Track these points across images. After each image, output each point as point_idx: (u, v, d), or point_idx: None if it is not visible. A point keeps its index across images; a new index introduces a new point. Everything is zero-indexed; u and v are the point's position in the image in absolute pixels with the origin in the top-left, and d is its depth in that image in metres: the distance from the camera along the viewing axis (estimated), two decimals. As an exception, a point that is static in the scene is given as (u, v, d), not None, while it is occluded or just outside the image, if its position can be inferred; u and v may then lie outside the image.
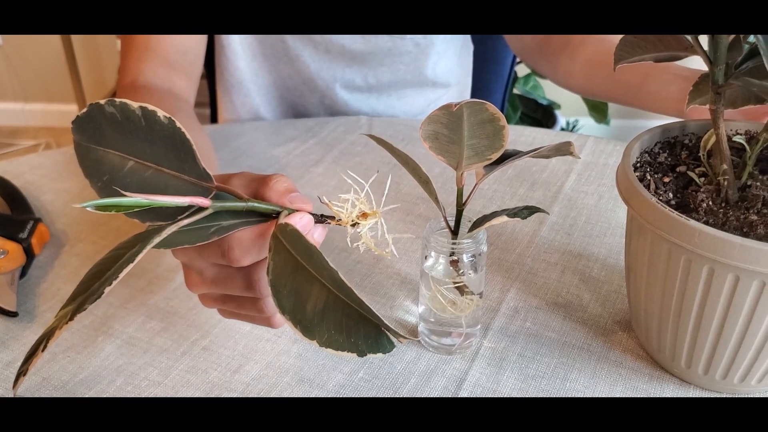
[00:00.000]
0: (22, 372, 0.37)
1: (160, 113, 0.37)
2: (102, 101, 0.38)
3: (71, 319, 0.34)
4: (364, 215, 0.39)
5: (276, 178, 0.40)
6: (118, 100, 0.38)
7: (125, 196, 0.33)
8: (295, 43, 0.87)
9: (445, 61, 0.92)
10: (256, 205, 0.38)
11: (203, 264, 0.41)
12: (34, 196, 0.71)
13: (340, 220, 0.40)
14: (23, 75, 2.55)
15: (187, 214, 0.37)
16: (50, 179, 0.74)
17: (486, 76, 1.06)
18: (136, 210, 0.37)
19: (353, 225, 0.40)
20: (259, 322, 0.44)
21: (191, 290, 0.43)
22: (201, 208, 0.37)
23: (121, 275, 0.34)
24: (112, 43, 2.43)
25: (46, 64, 2.50)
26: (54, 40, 2.38)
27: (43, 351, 0.36)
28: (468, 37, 0.97)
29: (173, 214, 0.38)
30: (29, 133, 2.59)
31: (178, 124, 0.38)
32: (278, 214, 0.39)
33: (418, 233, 0.64)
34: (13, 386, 0.39)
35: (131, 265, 0.34)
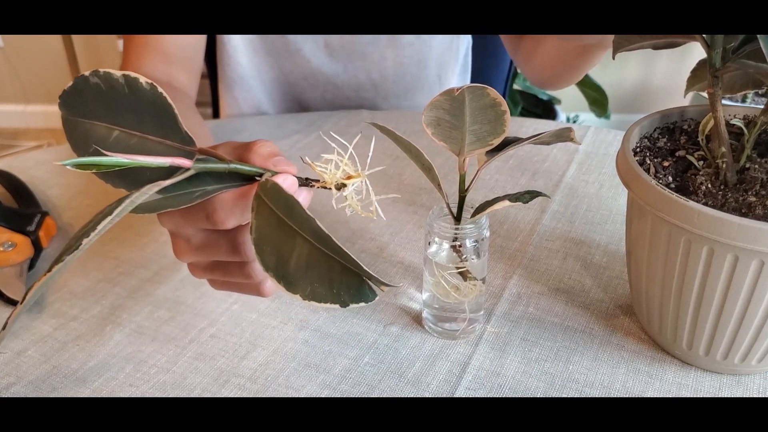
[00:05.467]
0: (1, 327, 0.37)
1: (142, 80, 0.38)
2: (86, 72, 0.38)
3: (49, 270, 0.34)
4: (349, 177, 0.39)
5: (260, 142, 0.40)
6: (102, 70, 0.38)
7: (106, 155, 0.33)
8: (295, 37, 0.87)
9: (448, 54, 0.93)
10: (238, 166, 0.38)
11: (189, 230, 0.41)
12: (40, 190, 0.72)
13: (325, 182, 0.39)
14: (24, 77, 2.55)
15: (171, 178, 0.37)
16: (56, 174, 0.75)
17: (486, 71, 1.07)
18: (118, 169, 0.36)
19: (338, 188, 0.39)
20: (249, 290, 0.44)
21: (179, 258, 0.43)
22: (184, 171, 0.37)
23: (100, 227, 0.34)
24: (113, 44, 2.44)
25: (47, 65, 2.51)
26: (55, 42, 2.39)
27: (21, 303, 0.36)
28: (468, 40, 0.98)
29: (158, 180, 0.37)
30: (31, 134, 2.60)
31: (160, 90, 0.38)
32: (261, 176, 0.39)
33: (421, 223, 0.64)
34: None
35: (110, 218, 0.34)
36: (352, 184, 0.39)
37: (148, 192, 0.36)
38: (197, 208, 0.39)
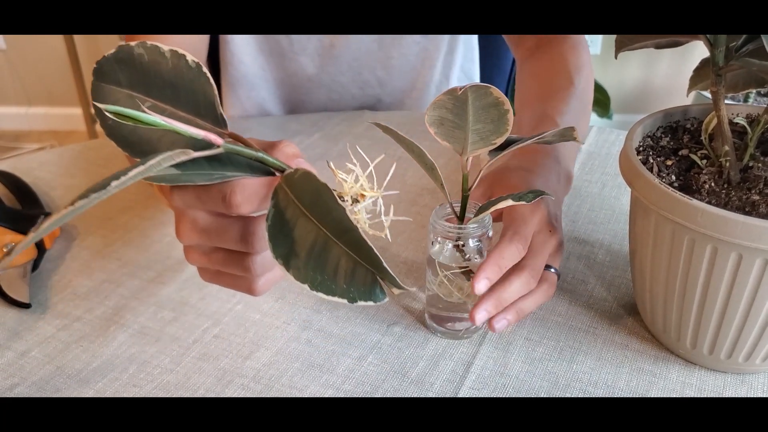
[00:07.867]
0: (7, 252, 0.37)
1: (189, 57, 0.38)
2: (132, 43, 0.39)
3: (72, 204, 0.32)
4: (363, 196, 0.40)
5: (285, 142, 0.41)
6: (149, 42, 0.39)
7: (146, 112, 0.33)
8: (299, 37, 0.87)
9: (456, 54, 0.93)
10: (266, 157, 0.38)
11: (198, 211, 0.41)
12: (43, 191, 0.72)
13: (342, 192, 0.40)
14: (26, 79, 2.56)
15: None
16: (59, 175, 0.75)
17: (488, 71, 1.07)
18: (144, 147, 0.36)
19: (353, 202, 0.40)
20: (241, 285, 0.43)
21: (180, 240, 0.42)
22: (213, 147, 0.37)
23: (132, 173, 0.32)
24: (115, 45, 2.44)
25: (50, 67, 2.51)
26: (57, 44, 2.39)
27: (36, 230, 0.34)
28: (475, 37, 0.98)
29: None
30: (33, 136, 2.60)
31: (204, 69, 0.38)
32: (283, 171, 0.39)
33: (424, 224, 0.64)
34: None
35: (143, 167, 0.33)
36: (367, 200, 0.39)
37: (178, 158, 0.35)
38: (214, 188, 0.39)
